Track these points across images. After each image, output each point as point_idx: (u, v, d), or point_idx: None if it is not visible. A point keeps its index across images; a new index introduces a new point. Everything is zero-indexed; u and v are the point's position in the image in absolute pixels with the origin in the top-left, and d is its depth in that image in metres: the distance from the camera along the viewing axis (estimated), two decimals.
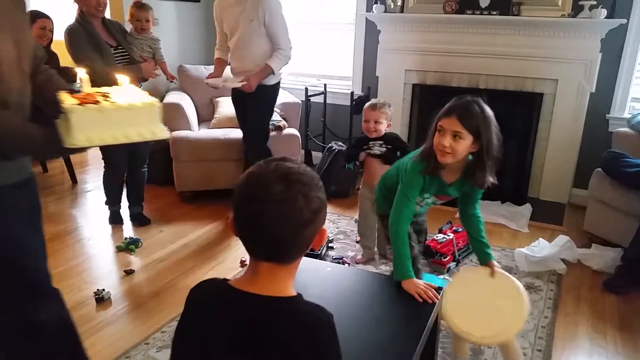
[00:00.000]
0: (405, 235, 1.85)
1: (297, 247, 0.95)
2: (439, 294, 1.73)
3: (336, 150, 3.93)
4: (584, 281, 2.80)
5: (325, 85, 4.40)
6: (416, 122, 4.38)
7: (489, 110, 1.73)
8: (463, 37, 3.86)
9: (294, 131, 3.94)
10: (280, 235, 0.90)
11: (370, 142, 2.73)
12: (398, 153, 2.69)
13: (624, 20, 3.44)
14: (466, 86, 3.96)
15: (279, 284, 0.96)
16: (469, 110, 1.69)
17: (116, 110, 1.32)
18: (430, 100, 4.26)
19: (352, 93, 4.29)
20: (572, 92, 3.69)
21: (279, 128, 3.84)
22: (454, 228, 3.13)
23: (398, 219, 1.86)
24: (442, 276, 2.83)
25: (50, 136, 1.30)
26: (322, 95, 4.37)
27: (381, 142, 2.72)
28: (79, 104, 1.27)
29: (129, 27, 3.20)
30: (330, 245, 3.12)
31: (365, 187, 2.85)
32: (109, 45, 2.93)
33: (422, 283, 1.71)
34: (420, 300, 1.66)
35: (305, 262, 1.95)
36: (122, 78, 1.52)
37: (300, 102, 4.20)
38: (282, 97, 4.26)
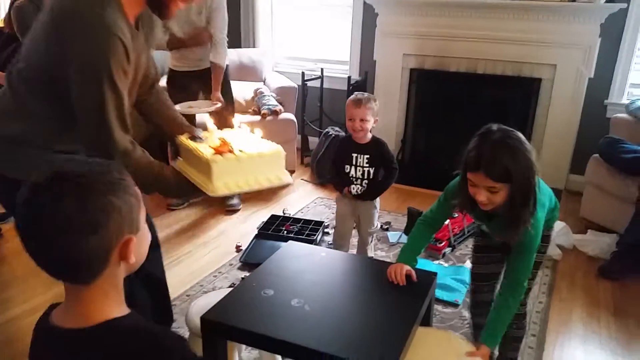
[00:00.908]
0: (417, 231, 1.81)
1: (85, 264, 0.79)
2: (434, 279, 1.73)
3: (333, 135, 3.91)
4: (579, 267, 2.81)
5: (322, 69, 4.36)
6: (414, 107, 4.36)
7: (519, 142, 1.43)
8: (462, 21, 3.81)
9: (290, 116, 3.92)
10: (53, 251, 0.77)
11: (355, 155, 2.35)
12: (380, 172, 2.39)
13: (624, 5, 3.40)
14: (464, 71, 3.93)
15: (93, 307, 0.83)
16: (496, 160, 1.40)
17: (250, 159, 1.45)
18: (428, 85, 4.24)
19: (349, 78, 4.25)
20: (571, 78, 3.66)
21: (275, 112, 3.81)
22: None
23: (422, 216, 1.83)
24: (437, 261, 2.83)
25: (180, 181, 1.46)
26: (319, 80, 4.33)
27: (367, 155, 2.34)
28: (217, 153, 1.41)
29: None
30: (326, 230, 3.12)
31: (344, 199, 2.50)
32: None
33: (401, 266, 1.68)
34: (392, 278, 1.67)
35: (300, 247, 1.95)
36: (238, 121, 1.72)
37: (296, 86, 4.16)
38: (279, 81, 4.23)
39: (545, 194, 1.59)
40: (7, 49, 3.48)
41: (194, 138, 1.68)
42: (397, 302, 1.63)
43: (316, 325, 1.46)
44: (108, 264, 0.82)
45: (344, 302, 1.60)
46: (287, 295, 1.57)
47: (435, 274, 1.78)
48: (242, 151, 1.49)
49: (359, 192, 2.39)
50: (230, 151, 1.47)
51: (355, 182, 2.39)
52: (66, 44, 1.32)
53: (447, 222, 2.99)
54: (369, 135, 2.37)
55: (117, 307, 0.86)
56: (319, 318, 1.49)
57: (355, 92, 2.38)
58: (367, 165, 2.36)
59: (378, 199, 2.49)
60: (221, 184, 1.43)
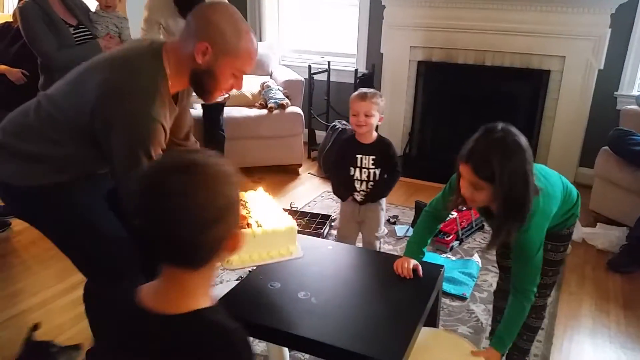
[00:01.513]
0: (422, 223, 1.79)
1: (202, 250, 0.83)
2: (441, 272, 1.73)
3: (340, 128, 3.90)
4: (588, 260, 2.79)
5: (329, 62, 4.34)
6: (421, 100, 4.33)
7: (518, 148, 1.36)
8: (469, 13, 3.78)
9: (297, 109, 3.91)
10: (178, 235, 0.79)
11: (360, 157, 2.23)
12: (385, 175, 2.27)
13: None
14: (472, 63, 3.90)
15: (188, 294, 0.86)
16: (485, 157, 1.35)
17: (265, 235, 1.50)
18: (435, 77, 4.22)
19: (356, 71, 4.23)
20: (580, 69, 3.62)
21: (282, 106, 3.80)
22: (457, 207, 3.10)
23: (427, 207, 1.81)
24: (445, 255, 2.82)
25: None
26: (326, 73, 4.31)
27: (373, 156, 2.23)
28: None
29: (95, 5, 3.01)
30: (332, 224, 3.11)
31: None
32: (68, 25, 2.69)
33: (407, 260, 1.69)
34: (399, 272, 1.67)
35: (307, 240, 1.95)
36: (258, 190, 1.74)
37: (303, 80, 4.15)
38: (285, 74, 4.22)
39: (555, 186, 1.55)
40: (15, 44, 3.51)
41: None
42: (404, 295, 1.62)
43: (322, 317, 1.46)
44: (219, 253, 0.86)
45: (350, 295, 1.60)
46: (293, 288, 1.57)
47: (442, 266, 1.78)
48: (260, 225, 1.53)
49: (363, 199, 2.28)
50: (249, 225, 1.51)
51: (359, 186, 2.27)
52: (110, 120, 1.36)
53: (455, 215, 3.00)
54: (374, 135, 2.25)
55: (205, 297, 0.88)
56: (325, 311, 1.49)
57: (360, 88, 2.27)
58: (373, 166, 2.24)
59: (384, 200, 2.37)
60: (236, 258, 1.48)
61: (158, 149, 1.41)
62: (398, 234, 3.04)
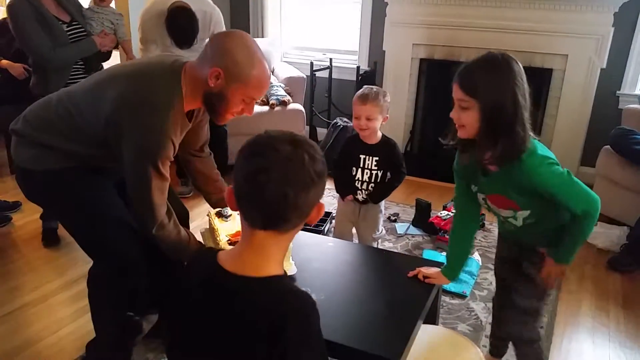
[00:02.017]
0: (454, 233, 1.68)
1: (297, 212, 0.90)
2: (440, 268, 1.72)
3: (341, 126, 3.89)
4: (588, 259, 2.79)
5: (330, 59, 4.33)
6: (423, 98, 4.32)
7: (506, 67, 1.31)
8: (472, 11, 3.77)
9: (299, 106, 3.90)
10: (283, 193, 0.87)
11: (363, 157, 2.18)
12: (388, 174, 2.22)
13: None
14: None
15: (267, 258, 0.93)
16: (471, 70, 1.33)
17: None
18: (438, 75, 4.19)
19: (357, 68, 4.23)
20: (582, 68, 3.61)
21: (284, 103, 3.80)
22: None
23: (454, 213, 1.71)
24: (445, 253, 2.81)
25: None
26: (328, 70, 4.31)
27: (377, 157, 2.17)
28: (230, 243, 1.52)
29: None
30: (334, 221, 3.11)
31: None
32: (61, 21, 2.56)
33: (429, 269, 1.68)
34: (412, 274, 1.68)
35: (308, 237, 1.95)
36: None
37: (305, 76, 4.14)
38: (287, 71, 4.22)
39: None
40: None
41: (221, 214, 1.82)
42: (404, 292, 1.63)
43: (322, 314, 1.46)
44: (306, 219, 0.93)
45: (350, 291, 1.60)
46: None
47: (442, 264, 1.77)
48: None
49: (364, 198, 2.24)
50: None
51: (360, 187, 2.22)
52: (122, 130, 1.44)
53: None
54: (379, 135, 2.18)
55: (279, 266, 0.95)
56: (325, 307, 1.49)
57: (365, 86, 2.16)
58: (376, 167, 2.18)
59: (383, 202, 2.33)
60: None
61: (166, 162, 1.48)
62: (399, 232, 3.04)
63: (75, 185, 1.57)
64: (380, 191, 2.23)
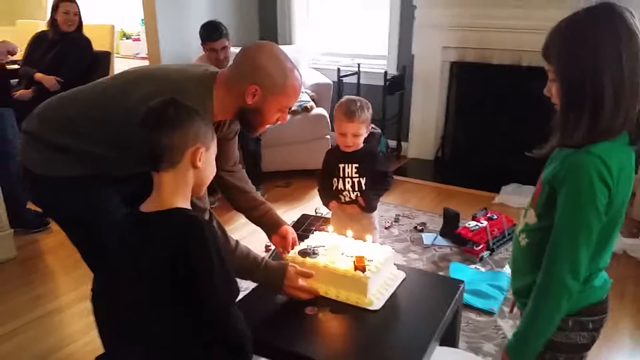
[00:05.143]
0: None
1: (167, 152, 1.13)
2: (459, 287, 1.62)
3: (368, 132, 3.80)
4: (628, 274, 2.59)
5: (358, 65, 4.26)
6: (454, 102, 4.19)
7: (592, 24, 1.04)
8: (504, 11, 3.61)
9: (322, 111, 3.83)
10: (153, 136, 1.14)
11: (342, 166, 2.04)
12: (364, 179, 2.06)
13: None
14: (508, 63, 3.73)
15: (165, 194, 1.16)
16: (555, 31, 1.10)
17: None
18: (469, 78, 4.09)
19: (385, 73, 4.13)
20: None
21: (306, 109, 3.75)
22: (488, 215, 2.96)
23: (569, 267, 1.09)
24: (473, 266, 2.68)
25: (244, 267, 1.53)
26: (355, 76, 4.23)
27: (356, 164, 2.03)
28: (359, 269, 1.50)
29: None
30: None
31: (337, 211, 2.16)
32: None
33: None
34: None
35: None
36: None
37: (331, 82, 4.08)
38: (314, 78, 4.17)
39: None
40: (50, 52, 3.60)
41: (305, 253, 1.63)
42: (418, 312, 1.54)
43: (328, 336, 1.40)
44: (182, 159, 1.15)
45: (360, 311, 1.51)
46: (301, 302, 1.50)
47: (462, 282, 1.67)
48: (378, 265, 1.56)
49: (349, 200, 2.07)
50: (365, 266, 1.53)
51: (344, 199, 2.07)
52: None
53: (485, 223, 2.85)
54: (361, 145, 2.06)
55: (183, 201, 1.18)
56: (331, 329, 1.42)
57: (346, 98, 2.02)
58: (357, 175, 2.04)
59: (377, 218, 2.18)
60: (373, 297, 1.52)
61: None
62: (425, 243, 2.92)
63: (81, 195, 1.52)
64: (367, 198, 2.05)
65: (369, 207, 2.08)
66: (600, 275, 1.18)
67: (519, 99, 3.68)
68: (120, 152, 1.46)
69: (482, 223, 2.83)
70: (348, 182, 2.06)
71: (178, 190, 1.17)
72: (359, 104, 1.98)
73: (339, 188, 2.07)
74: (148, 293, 1.13)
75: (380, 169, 2.07)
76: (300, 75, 1.54)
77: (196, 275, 1.10)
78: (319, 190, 2.18)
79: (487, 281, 2.49)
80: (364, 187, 2.05)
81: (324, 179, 2.13)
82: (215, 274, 1.11)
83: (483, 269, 2.66)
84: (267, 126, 1.58)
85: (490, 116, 4.02)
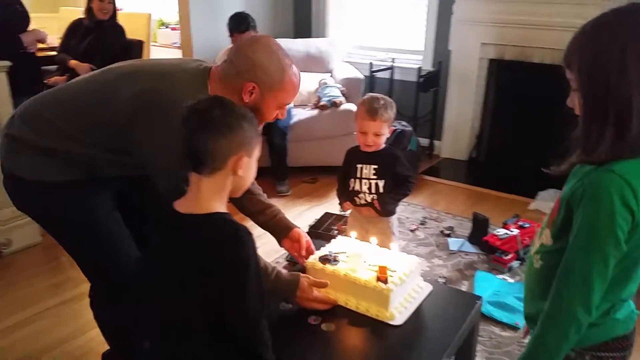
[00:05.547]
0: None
1: (210, 157, 1.07)
2: (476, 304, 1.52)
3: (399, 130, 3.69)
4: None
5: (393, 59, 4.13)
6: (492, 101, 4.03)
7: (619, 23, 0.95)
8: (547, 8, 3.42)
9: (352, 106, 3.74)
10: (197, 139, 1.07)
11: (360, 166, 1.97)
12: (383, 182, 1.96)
13: None
14: (549, 62, 3.53)
15: (204, 197, 1.10)
16: (579, 33, 0.99)
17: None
18: (508, 77, 3.93)
19: (419, 69, 3.99)
20: None
21: (335, 104, 3.67)
22: (519, 223, 2.81)
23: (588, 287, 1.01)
24: (501, 276, 2.55)
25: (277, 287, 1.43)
26: (388, 71, 4.11)
27: (375, 166, 1.95)
28: (381, 280, 1.42)
29: None
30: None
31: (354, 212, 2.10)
32: None
33: None
34: None
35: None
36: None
37: (362, 77, 3.98)
38: (345, 72, 4.08)
39: None
40: (85, 40, 3.65)
41: (326, 260, 1.55)
42: (429, 328, 1.45)
43: (331, 348, 1.33)
44: (223, 167, 1.09)
45: (366, 323, 1.43)
46: (305, 311, 1.44)
47: (479, 297, 1.57)
48: (402, 276, 1.47)
49: (365, 202, 1.99)
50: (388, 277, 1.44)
51: (359, 201, 1.99)
52: (143, 131, 1.35)
53: (516, 231, 2.72)
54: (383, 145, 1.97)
55: (221, 206, 1.12)
56: (335, 341, 1.36)
57: (370, 95, 1.93)
58: (375, 177, 1.95)
59: (395, 223, 2.08)
60: (395, 310, 1.44)
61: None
62: (451, 248, 2.81)
63: (72, 200, 1.46)
64: (383, 201, 1.96)
65: (385, 211, 1.99)
66: (625, 307, 1.07)
67: (560, 100, 3.47)
68: (109, 154, 1.41)
69: (512, 231, 2.70)
70: (365, 183, 1.97)
71: (216, 195, 1.12)
72: (382, 102, 1.89)
73: (355, 189, 1.99)
74: (179, 296, 1.10)
75: (401, 172, 1.98)
76: (299, 71, 1.46)
77: (231, 282, 1.05)
78: (337, 190, 2.11)
79: (515, 294, 2.36)
80: (381, 189, 1.96)
81: (342, 179, 2.06)
82: (249, 278, 1.06)
83: (511, 280, 2.53)
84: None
85: (528, 117, 3.84)
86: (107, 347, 1.83)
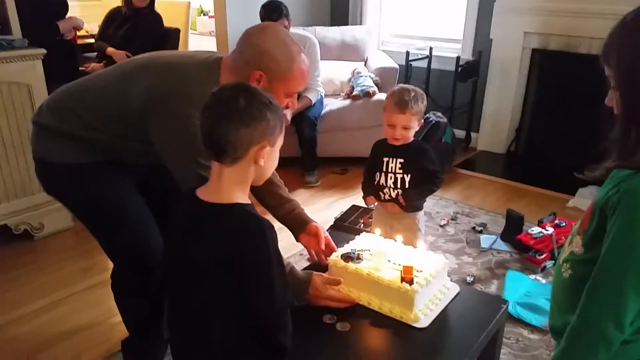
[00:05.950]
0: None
1: (231, 145, 1.03)
2: (502, 308, 1.45)
3: (433, 121, 3.58)
4: None
5: (431, 48, 4.01)
6: (534, 93, 3.87)
7: None
8: None
9: (384, 97, 3.66)
10: (217, 128, 1.03)
11: (386, 160, 1.91)
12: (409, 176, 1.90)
13: None
14: (596, 53, 3.29)
15: (225, 187, 1.08)
16: (617, 27, 0.95)
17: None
18: (552, 68, 3.76)
19: (457, 58, 3.86)
20: None
21: (368, 94, 3.59)
22: (556, 221, 2.68)
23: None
24: (533, 276, 2.45)
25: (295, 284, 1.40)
26: (425, 60, 3.99)
27: (401, 159, 1.89)
28: (406, 281, 1.37)
29: None
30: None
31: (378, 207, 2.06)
32: None
33: None
34: None
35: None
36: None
37: (397, 66, 3.88)
38: (380, 61, 3.99)
39: None
40: (122, 27, 3.70)
41: (349, 258, 1.50)
42: (450, 331, 1.39)
43: (345, 349, 1.29)
44: (245, 156, 1.06)
45: (383, 323, 1.39)
46: (319, 309, 1.40)
47: (505, 301, 1.50)
48: (428, 277, 1.41)
49: (389, 198, 1.93)
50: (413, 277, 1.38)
51: (384, 196, 1.94)
52: (155, 123, 1.39)
53: (551, 230, 2.59)
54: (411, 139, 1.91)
55: (243, 196, 1.11)
56: (350, 341, 1.32)
57: (400, 86, 1.87)
58: (401, 171, 1.89)
59: (422, 219, 2.02)
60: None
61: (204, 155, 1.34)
62: (482, 246, 2.70)
63: (96, 181, 1.52)
64: (408, 197, 1.90)
65: (410, 207, 1.92)
66: None
67: (606, 94, 3.30)
68: (132, 143, 1.46)
69: (547, 230, 2.58)
70: (390, 177, 1.91)
71: (238, 185, 1.10)
72: (412, 94, 1.82)
73: (380, 184, 1.94)
74: (198, 286, 1.10)
75: (428, 167, 1.91)
76: (307, 58, 1.44)
77: (256, 278, 1.05)
78: (362, 183, 2.05)
79: (547, 295, 2.25)
80: (407, 185, 1.90)
81: (367, 172, 2.01)
82: (273, 272, 1.06)
83: (544, 281, 2.42)
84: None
85: (572, 110, 3.65)
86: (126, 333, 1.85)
